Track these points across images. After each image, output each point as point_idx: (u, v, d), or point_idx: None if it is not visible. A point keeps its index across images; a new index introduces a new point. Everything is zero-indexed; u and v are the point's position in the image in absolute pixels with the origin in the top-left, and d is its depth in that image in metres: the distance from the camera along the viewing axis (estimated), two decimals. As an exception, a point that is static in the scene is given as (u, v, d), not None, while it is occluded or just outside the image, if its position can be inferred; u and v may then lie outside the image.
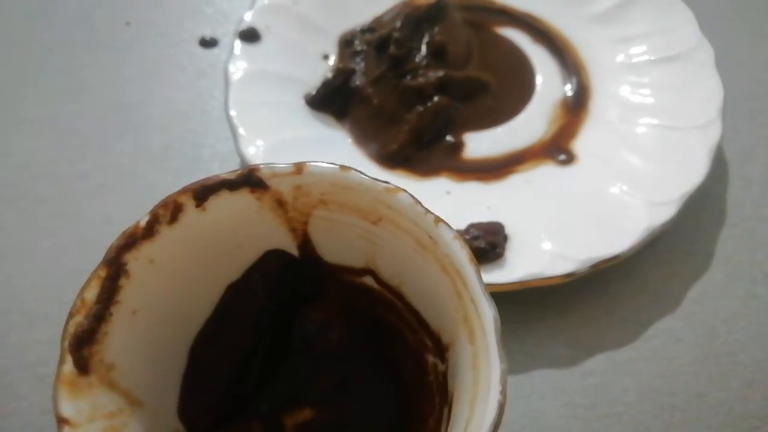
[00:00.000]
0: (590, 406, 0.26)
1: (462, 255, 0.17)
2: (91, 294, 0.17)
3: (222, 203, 0.19)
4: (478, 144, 0.31)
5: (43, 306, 0.28)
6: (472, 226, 0.26)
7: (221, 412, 0.22)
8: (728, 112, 0.31)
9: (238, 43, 0.32)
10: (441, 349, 0.20)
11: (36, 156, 0.33)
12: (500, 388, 0.16)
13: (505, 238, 0.26)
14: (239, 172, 0.19)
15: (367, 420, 0.23)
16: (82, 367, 0.17)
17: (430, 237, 0.18)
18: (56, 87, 0.35)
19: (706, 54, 0.32)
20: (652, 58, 0.33)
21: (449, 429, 0.18)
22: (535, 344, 0.27)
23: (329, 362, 0.24)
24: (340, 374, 0.23)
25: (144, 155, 0.33)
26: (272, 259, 0.21)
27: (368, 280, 0.21)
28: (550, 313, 0.28)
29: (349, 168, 0.19)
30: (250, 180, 0.19)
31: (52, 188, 0.32)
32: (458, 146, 0.31)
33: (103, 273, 0.18)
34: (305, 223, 0.20)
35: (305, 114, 0.32)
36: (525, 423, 0.25)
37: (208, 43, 0.36)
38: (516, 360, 0.27)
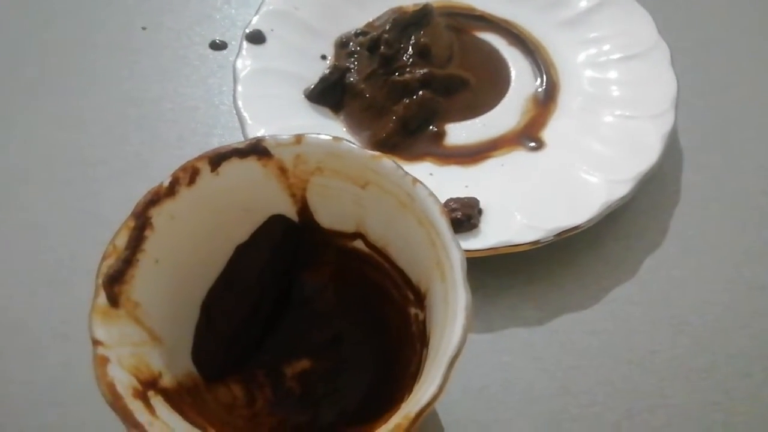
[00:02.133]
0: (555, 360, 0.28)
1: (435, 209, 0.20)
2: (121, 241, 0.20)
3: (233, 169, 0.22)
4: (458, 133, 0.35)
5: (67, 275, 0.31)
6: (451, 200, 0.29)
7: (228, 361, 0.24)
8: (684, 105, 0.35)
9: (245, 44, 0.36)
10: (420, 300, 0.22)
11: (64, 145, 0.36)
12: (465, 314, 0.18)
13: (479, 211, 0.29)
14: (248, 141, 0.22)
15: (358, 368, 0.25)
16: (113, 301, 0.19)
17: (409, 195, 0.21)
18: (81, 84, 0.38)
19: (662, 53, 0.35)
20: (614, 57, 0.36)
21: (427, 360, 0.21)
22: (508, 306, 0.30)
23: (324, 318, 0.26)
24: (334, 329, 0.26)
25: (159, 144, 0.36)
26: (275, 223, 0.24)
27: (359, 244, 0.24)
28: (522, 280, 0.31)
29: (341, 139, 0.22)
30: (257, 149, 0.22)
31: (77, 173, 0.35)
32: (440, 135, 0.34)
33: (131, 224, 0.20)
34: (304, 189, 0.23)
35: (305, 106, 0.35)
36: (497, 375, 0.28)
37: (218, 45, 0.40)
38: (490, 320, 0.30)
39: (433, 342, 0.20)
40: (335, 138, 0.22)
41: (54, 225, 0.33)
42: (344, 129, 0.34)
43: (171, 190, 0.22)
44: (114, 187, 0.34)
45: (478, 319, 0.29)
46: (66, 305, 0.30)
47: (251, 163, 0.22)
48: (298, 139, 0.22)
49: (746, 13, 0.42)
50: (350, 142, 0.22)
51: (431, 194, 0.21)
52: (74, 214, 0.33)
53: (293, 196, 0.24)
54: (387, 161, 0.21)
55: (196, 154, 0.35)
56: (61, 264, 0.32)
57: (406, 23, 0.36)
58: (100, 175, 0.35)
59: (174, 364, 0.22)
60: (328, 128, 0.34)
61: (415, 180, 0.21)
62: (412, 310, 0.24)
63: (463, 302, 0.19)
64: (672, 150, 0.34)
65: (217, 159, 0.22)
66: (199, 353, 0.23)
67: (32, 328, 0.30)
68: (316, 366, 0.26)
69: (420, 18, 0.36)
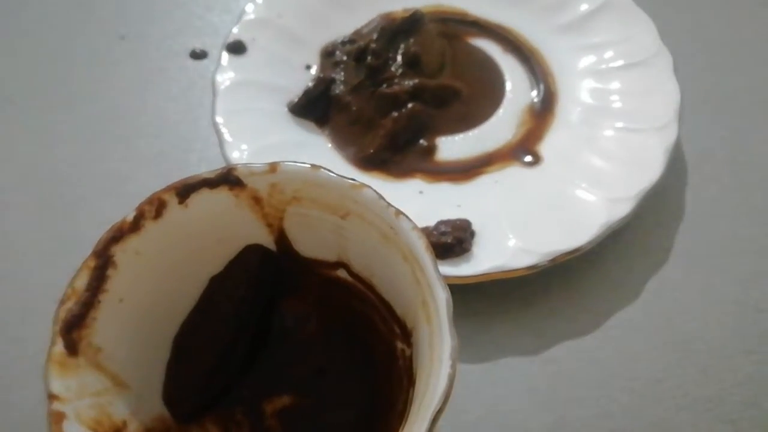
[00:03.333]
0: (553, 391, 0.27)
1: (419, 244, 0.19)
2: (81, 282, 0.19)
3: (203, 200, 0.20)
4: (450, 147, 0.33)
5: (43, 302, 0.30)
6: (441, 222, 0.28)
7: (204, 398, 0.23)
8: (687, 115, 0.33)
9: (225, 55, 0.34)
10: (407, 335, 0.21)
11: (39, 163, 0.34)
12: (450, 362, 0.17)
13: (471, 233, 0.28)
14: (218, 171, 0.21)
15: (343, 405, 0.24)
16: (72, 348, 0.18)
17: (392, 228, 0.19)
18: (57, 97, 0.37)
19: (665, 60, 0.33)
20: (615, 65, 0.34)
21: (412, 405, 0.19)
22: (502, 334, 0.28)
23: (307, 351, 0.25)
24: (317, 362, 0.25)
25: (138, 161, 0.34)
26: (252, 253, 0.23)
27: (342, 273, 0.23)
28: (517, 306, 0.29)
29: (319, 167, 0.21)
30: (228, 178, 0.21)
31: (53, 192, 0.33)
32: (431, 149, 0.33)
33: (92, 263, 0.19)
34: (281, 219, 0.22)
35: (288, 120, 0.33)
36: (490, 408, 0.27)
37: (198, 55, 0.38)
38: (484, 349, 0.28)
39: (420, 385, 0.19)
40: (313, 166, 0.21)
41: (30, 249, 0.32)
42: (329, 144, 0.33)
43: (135, 225, 0.20)
44: (92, 207, 0.33)
45: (471, 348, 0.28)
46: (42, 335, 0.29)
47: (222, 194, 0.21)
48: (273, 167, 0.21)
49: (749, 16, 0.40)
50: (328, 170, 0.20)
51: (415, 228, 0.19)
52: (51, 236, 0.32)
53: (269, 225, 0.22)
54: (368, 191, 0.20)
55: (175, 170, 0.34)
56: (37, 291, 0.30)
57: (394, 31, 0.34)
58: (78, 194, 0.33)
59: (142, 408, 0.21)
60: (312, 144, 0.32)
61: (398, 212, 0.20)
62: (399, 345, 0.23)
63: (448, 350, 0.18)
64: (675, 163, 0.32)
65: (185, 190, 0.21)
66: (171, 393, 0.22)
67: (7, 358, 0.28)
68: (297, 402, 0.24)
69: (410, 25, 0.35)
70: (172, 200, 0.20)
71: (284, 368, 0.25)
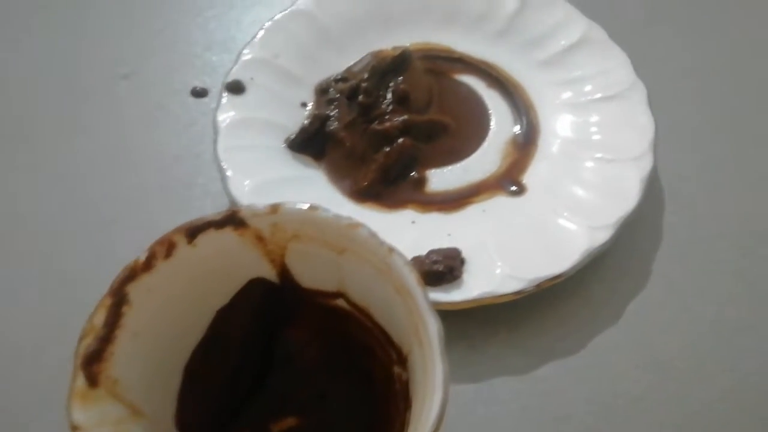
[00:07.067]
0: (542, 409, 0.28)
1: (411, 278, 0.20)
2: (99, 319, 0.20)
3: (210, 240, 0.22)
4: (440, 179, 0.35)
5: (54, 333, 0.31)
6: (432, 252, 0.30)
7: (214, 422, 0.24)
8: (662, 144, 0.35)
9: (225, 95, 0.36)
10: (403, 360, 0.23)
11: (44, 201, 0.36)
12: (443, 388, 0.18)
13: (461, 261, 0.29)
14: (223, 213, 0.22)
15: (344, 426, 0.26)
16: (92, 381, 0.19)
17: (386, 263, 0.21)
18: (63, 136, 0.38)
19: (639, 93, 0.35)
20: (592, 98, 0.36)
21: (408, 428, 0.21)
22: (494, 355, 0.30)
23: (310, 376, 0.26)
24: (320, 386, 0.26)
25: (142, 196, 0.36)
26: (256, 286, 0.24)
27: (341, 302, 0.24)
28: (508, 328, 0.30)
29: (317, 207, 0.22)
30: (233, 220, 0.22)
31: (60, 229, 0.34)
32: (422, 181, 0.34)
33: (108, 302, 0.21)
34: (282, 255, 0.23)
35: (286, 156, 0.35)
36: (483, 426, 0.28)
37: (198, 93, 0.40)
38: (477, 369, 0.29)
39: (415, 408, 0.20)
40: (311, 207, 0.22)
41: (40, 283, 0.33)
42: (326, 178, 0.34)
43: (148, 265, 0.22)
44: (99, 241, 0.34)
45: (464, 370, 0.29)
46: (53, 365, 0.30)
47: (228, 234, 0.22)
48: (274, 208, 0.22)
49: (718, 47, 0.42)
50: (325, 210, 0.22)
51: (407, 263, 0.21)
52: (60, 272, 0.33)
53: (272, 261, 0.24)
54: (363, 230, 0.21)
55: (178, 204, 0.36)
56: (49, 323, 0.31)
57: (384, 70, 0.36)
58: (85, 230, 0.34)
59: (157, 434, 0.22)
60: (309, 178, 0.34)
61: (391, 249, 0.21)
62: (396, 370, 0.24)
63: (440, 376, 0.19)
64: (652, 191, 0.34)
65: (193, 231, 0.22)
66: (183, 419, 0.23)
67: (18, 389, 0.29)
68: (302, 423, 0.26)
69: (398, 64, 0.37)
70: (181, 241, 0.22)
71: (288, 392, 0.26)
